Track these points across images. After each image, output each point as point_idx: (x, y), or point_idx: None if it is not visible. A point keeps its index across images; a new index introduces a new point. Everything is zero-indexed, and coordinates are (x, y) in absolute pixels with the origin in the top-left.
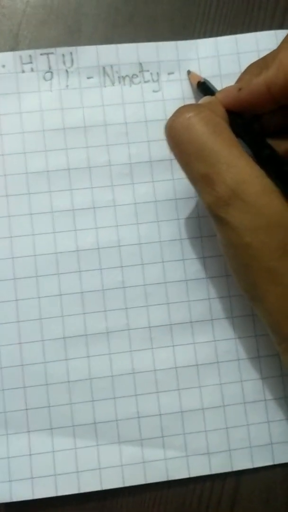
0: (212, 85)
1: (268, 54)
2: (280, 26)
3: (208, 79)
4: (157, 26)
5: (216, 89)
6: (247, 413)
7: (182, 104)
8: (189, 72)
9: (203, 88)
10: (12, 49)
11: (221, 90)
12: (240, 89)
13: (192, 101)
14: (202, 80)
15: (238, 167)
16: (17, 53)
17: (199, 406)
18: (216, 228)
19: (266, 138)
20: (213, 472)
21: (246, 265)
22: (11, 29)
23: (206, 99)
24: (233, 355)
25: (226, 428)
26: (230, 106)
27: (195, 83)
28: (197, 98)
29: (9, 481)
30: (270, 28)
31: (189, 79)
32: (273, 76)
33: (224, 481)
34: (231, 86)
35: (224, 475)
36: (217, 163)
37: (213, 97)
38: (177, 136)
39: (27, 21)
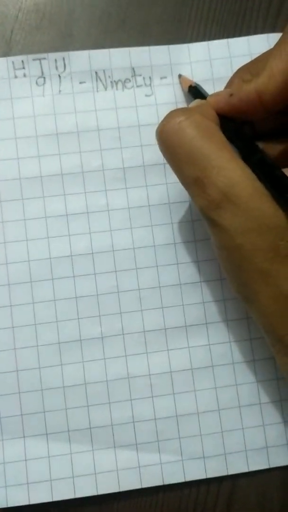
0: (203, 89)
1: (258, 58)
2: (273, 30)
3: (200, 83)
4: (150, 31)
5: (207, 93)
6: (242, 417)
7: (175, 108)
8: (180, 76)
9: (194, 92)
10: (5, 54)
11: (212, 94)
12: (231, 95)
13: (184, 105)
14: (193, 84)
15: (229, 170)
16: (10, 58)
17: (194, 410)
18: (209, 230)
19: (256, 142)
20: (209, 476)
21: (238, 267)
22: (3, 34)
23: (196, 102)
24: (228, 358)
25: (222, 432)
26: (221, 111)
27: (186, 87)
28: (188, 102)
29: (5, 486)
30: (262, 31)
31: (180, 83)
32: (264, 84)
33: (219, 485)
34: (222, 91)
35: (219, 479)
36: (208, 167)
37: (204, 101)
38: (168, 141)
39: (20, 26)
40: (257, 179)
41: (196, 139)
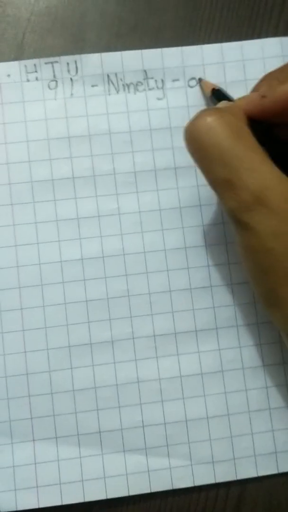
0: (226, 93)
1: (284, 67)
2: (285, 34)
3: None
4: (161, 35)
5: (231, 96)
6: (251, 422)
7: (187, 112)
8: (200, 80)
9: (218, 95)
10: (17, 57)
11: (242, 97)
12: (263, 97)
13: (197, 108)
14: (216, 87)
15: (261, 172)
16: (22, 62)
17: (204, 415)
18: (237, 232)
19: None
20: (218, 480)
21: (266, 271)
22: (15, 37)
23: (224, 103)
24: (237, 364)
25: (231, 436)
26: (252, 114)
27: (208, 90)
28: (209, 106)
29: (15, 490)
30: (274, 36)
31: (201, 87)
32: None
33: (228, 489)
34: (253, 94)
35: (228, 483)
36: (240, 168)
37: (233, 103)
38: (198, 140)
39: (32, 29)
40: None
41: (228, 139)
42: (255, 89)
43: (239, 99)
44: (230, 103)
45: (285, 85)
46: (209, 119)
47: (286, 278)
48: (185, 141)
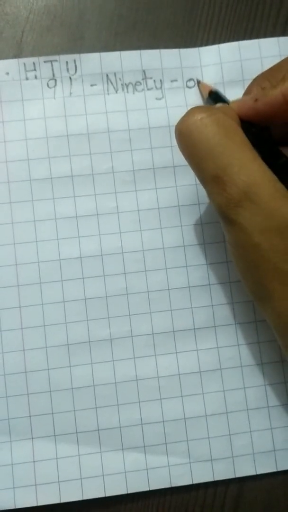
0: (223, 95)
1: (274, 67)
2: (283, 34)
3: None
4: (160, 34)
5: (227, 99)
6: (250, 420)
7: (185, 111)
8: (199, 82)
9: (215, 97)
10: (16, 56)
11: (236, 100)
12: (256, 100)
13: None
14: (213, 90)
15: (250, 169)
16: (21, 60)
17: (202, 413)
18: (225, 228)
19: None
20: (216, 478)
21: (254, 266)
22: (14, 36)
23: (219, 105)
24: (236, 361)
25: (229, 434)
26: (245, 116)
27: (205, 92)
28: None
29: (13, 488)
30: (272, 35)
31: (199, 89)
32: None
33: (227, 487)
34: (245, 97)
35: (226, 481)
36: (229, 165)
37: (226, 105)
38: (188, 136)
39: (31, 28)
40: (279, 181)
41: (218, 136)
42: (247, 91)
43: (234, 101)
44: (225, 105)
45: (276, 88)
46: (199, 116)
47: (274, 273)
48: (176, 137)
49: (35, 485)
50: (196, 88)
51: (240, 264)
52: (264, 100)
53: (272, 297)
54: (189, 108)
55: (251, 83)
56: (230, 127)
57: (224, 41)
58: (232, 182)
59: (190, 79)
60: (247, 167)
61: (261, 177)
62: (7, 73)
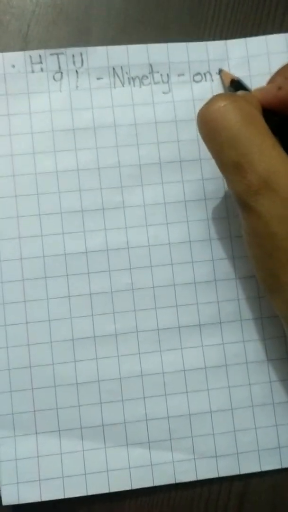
0: (245, 84)
1: None
2: None
3: (217, 82)
4: (166, 29)
5: (249, 88)
6: (255, 416)
7: (192, 106)
8: (220, 71)
9: (237, 85)
10: (21, 49)
11: (258, 88)
12: (280, 88)
13: (203, 102)
14: (235, 78)
15: (271, 157)
16: (27, 53)
17: (207, 409)
18: (242, 216)
19: None
20: (221, 475)
21: (269, 255)
22: (20, 29)
23: (242, 92)
24: (241, 358)
25: (234, 431)
26: (267, 104)
27: (227, 81)
28: None
29: (17, 483)
30: (279, 31)
31: (221, 77)
32: None
33: (231, 484)
34: (269, 85)
35: (231, 478)
36: (250, 152)
37: (248, 92)
38: (210, 123)
39: (37, 21)
40: None
41: (239, 123)
42: (271, 80)
43: (256, 90)
44: (247, 92)
45: None
46: (222, 103)
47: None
48: (197, 124)
49: (39, 480)
50: (203, 82)
51: (255, 253)
52: None
53: (283, 287)
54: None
55: (275, 73)
56: (252, 115)
57: (231, 36)
58: (252, 169)
59: (197, 73)
60: (268, 155)
61: (282, 165)
62: (13, 66)
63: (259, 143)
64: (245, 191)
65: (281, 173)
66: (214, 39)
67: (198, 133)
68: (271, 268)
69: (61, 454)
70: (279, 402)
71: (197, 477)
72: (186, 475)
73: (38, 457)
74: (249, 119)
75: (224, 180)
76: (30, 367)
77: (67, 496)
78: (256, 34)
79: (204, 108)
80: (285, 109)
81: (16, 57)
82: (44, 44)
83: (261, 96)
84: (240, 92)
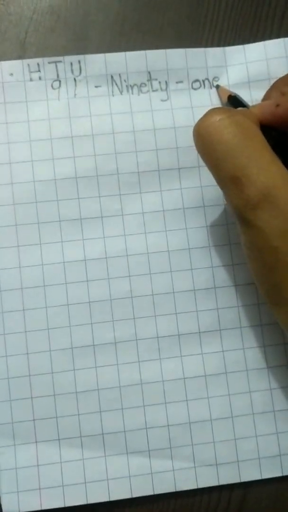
0: (243, 99)
1: None
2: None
3: (216, 88)
4: (165, 34)
5: (247, 103)
6: (255, 424)
7: (191, 113)
8: (218, 87)
9: (234, 101)
10: (19, 56)
11: (256, 105)
12: (278, 105)
13: (201, 109)
14: (233, 94)
15: (269, 171)
16: (25, 61)
17: (207, 417)
18: (241, 230)
19: None
20: (221, 483)
21: (270, 269)
22: (18, 36)
23: (240, 110)
24: (241, 365)
25: (235, 439)
26: (266, 121)
27: (224, 97)
28: None
29: (17, 491)
30: (278, 36)
31: (219, 94)
32: None
33: (231, 492)
34: (266, 102)
35: (231, 485)
36: (248, 166)
37: (246, 109)
38: (207, 136)
39: (34, 28)
40: None
41: (238, 137)
42: (267, 96)
43: (255, 106)
44: (245, 109)
45: None
46: (218, 117)
47: None
48: (194, 137)
49: (39, 489)
50: (201, 89)
51: (255, 267)
52: (285, 105)
53: (287, 300)
54: (209, 109)
55: (270, 88)
56: (249, 129)
57: (228, 41)
58: (250, 183)
59: (196, 80)
60: (267, 169)
61: (281, 179)
62: (11, 74)
63: (258, 157)
64: (243, 205)
65: (281, 187)
66: (212, 45)
67: None
68: (273, 282)
69: (61, 462)
70: (279, 410)
71: (197, 485)
72: (187, 483)
73: (38, 465)
74: (246, 133)
75: None
76: (29, 375)
77: (67, 505)
78: (255, 39)
79: (199, 122)
80: (283, 125)
81: (14, 65)
82: (42, 51)
83: (259, 113)
84: (239, 109)
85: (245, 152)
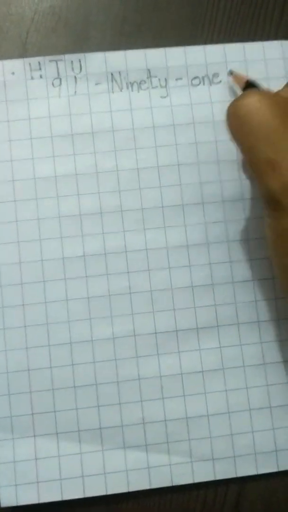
0: (260, 85)
1: None
2: (285, 37)
3: (217, 85)
4: (165, 35)
5: (264, 88)
6: (252, 420)
7: (190, 110)
8: (231, 73)
9: (252, 87)
10: (20, 55)
11: (285, 88)
12: None
13: (201, 107)
14: (250, 80)
15: None
16: (27, 60)
17: (204, 412)
18: (272, 215)
19: None
20: (218, 478)
21: None
22: (19, 36)
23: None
24: (238, 361)
25: (231, 434)
26: None
27: (241, 83)
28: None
29: (15, 485)
30: (275, 37)
31: (233, 80)
32: None
33: (227, 486)
34: None
35: (227, 481)
36: (287, 151)
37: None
38: (244, 117)
39: (35, 28)
40: None
41: (277, 119)
42: None
43: (282, 90)
44: (271, 91)
45: None
46: (259, 98)
47: None
48: (227, 117)
49: (37, 482)
50: (201, 86)
51: (282, 255)
52: None
53: None
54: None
55: None
56: (286, 112)
57: (227, 42)
58: None
59: (195, 77)
60: None
61: None
62: (13, 73)
63: None
64: (280, 188)
65: None
66: (211, 43)
67: (196, 137)
68: None
69: (59, 456)
70: (276, 406)
71: (194, 480)
72: (183, 478)
73: (36, 459)
74: (284, 115)
75: (222, 184)
76: (28, 370)
77: (65, 498)
78: (253, 39)
79: (237, 102)
80: None
81: (16, 64)
82: (43, 50)
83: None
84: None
85: (284, 135)
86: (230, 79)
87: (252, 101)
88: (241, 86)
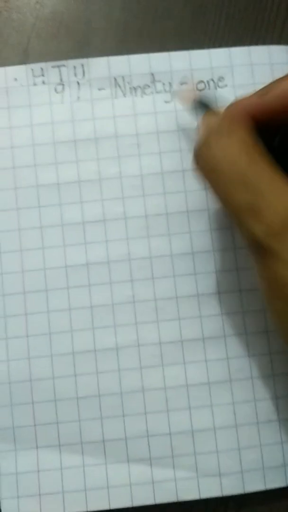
0: (209, 99)
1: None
2: None
3: (223, 88)
4: (166, 41)
5: (215, 101)
6: (260, 434)
7: (195, 115)
8: (174, 93)
9: (200, 105)
10: (22, 62)
11: (237, 101)
12: (262, 95)
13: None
14: (197, 98)
15: (286, 192)
16: (29, 66)
17: (211, 426)
18: (259, 262)
19: None
20: (224, 493)
21: None
22: (20, 42)
23: (230, 109)
24: (246, 373)
25: (239, 448)
26: (253, 115)
27: (187, 102)
28: (196, 115)
29: (17, 497)
30: (278, 43)
31: (178, 99)
32: None
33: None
34: (250, 95)
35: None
36: (265, 190)
37: (234, 108)
38: (212, 162)
39: (37, 34)
40: None
41: (246, 160)
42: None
43: (235, 103)
44: (232, 108)
45: (286, 81)
46: (221, 137)
47: None
48: (196, 164)
49: (39, 495)
50: (206, 90)
51: (278, 307)
52: (274, 92)
53: None
54: (201, 134)
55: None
56: (255, 147)
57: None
58: (270, 208)
59: (200, 81)
60: (283, 189)
61: None
62: (15, 79)
63: (272, 179)
64: (264, 233)
65: None
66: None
67: None
68: None
69: (61, 469)
70: (284, 419)
71: (200, 496)
72: (189, 493)
73: (38, 471)
74: (254, 152)
75: None
76: (30, 380)
77: None
78: (256, 45)
79: (201, 146)
80: (270, 118)
81: (18, 70)
82: (44, 57)
83: (241, 109)
84: (228, 108)
85: (259, 174)
86: (176, 101)
87: (215, 143)
88: (190, 106)
